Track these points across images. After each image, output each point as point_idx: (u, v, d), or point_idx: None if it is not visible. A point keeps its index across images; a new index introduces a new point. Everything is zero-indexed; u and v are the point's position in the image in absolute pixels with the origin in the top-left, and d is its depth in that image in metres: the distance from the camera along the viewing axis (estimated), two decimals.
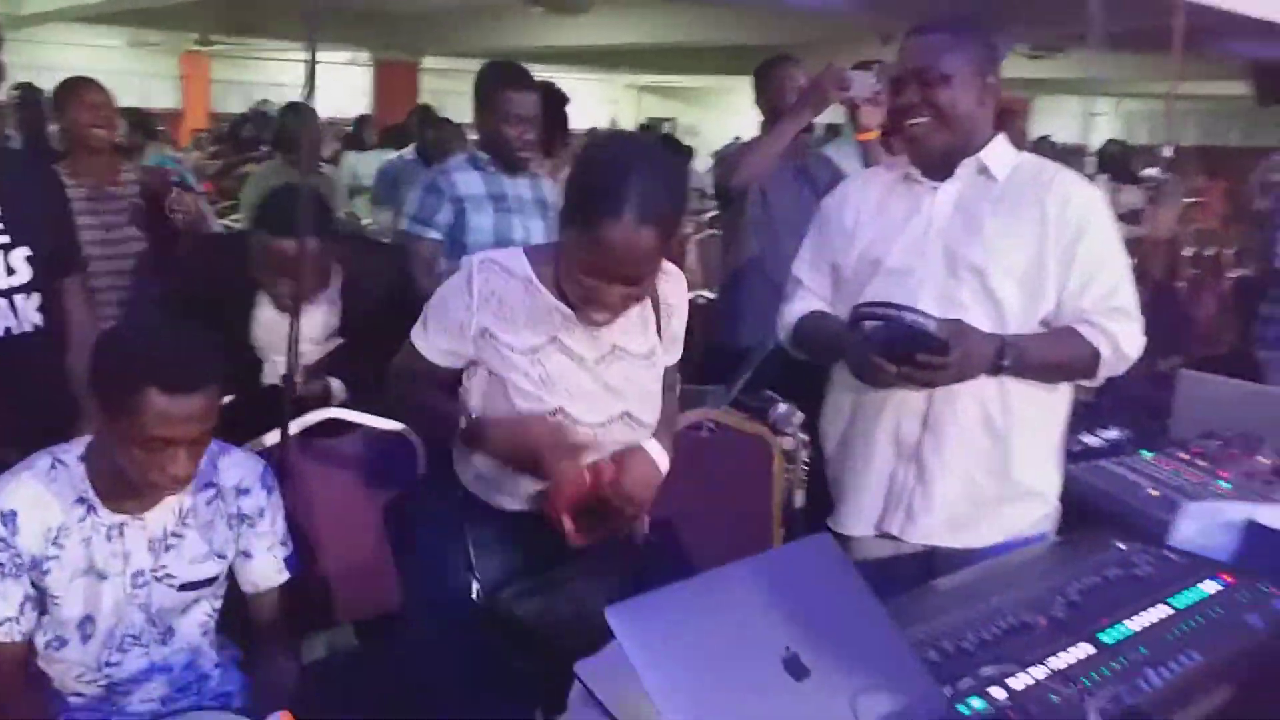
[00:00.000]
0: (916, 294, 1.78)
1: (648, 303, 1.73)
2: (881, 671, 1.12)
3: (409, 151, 5.77)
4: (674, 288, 1.77)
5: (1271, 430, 2.21)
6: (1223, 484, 1.99)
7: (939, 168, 1.86)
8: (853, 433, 1.93)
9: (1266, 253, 4.36)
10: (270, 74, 15.49)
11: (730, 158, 2.99)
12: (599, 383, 1.69)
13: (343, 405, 2.32)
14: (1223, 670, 1.16)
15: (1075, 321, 1.79)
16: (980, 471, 1.83)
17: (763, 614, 1.10)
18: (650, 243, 1.54)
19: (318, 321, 2.39)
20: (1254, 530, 1.68)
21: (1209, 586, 1.53)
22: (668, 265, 1.73)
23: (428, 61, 11.94)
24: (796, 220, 2.89)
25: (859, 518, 1.91)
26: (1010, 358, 1.73)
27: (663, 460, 1.75)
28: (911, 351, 1.67)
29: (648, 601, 1.05)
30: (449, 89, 15.36)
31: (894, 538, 1.89)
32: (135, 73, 14.07)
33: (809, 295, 1.99)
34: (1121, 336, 1.79)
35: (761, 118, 3.13)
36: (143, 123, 6.71)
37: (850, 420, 1.93)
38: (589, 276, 1.57)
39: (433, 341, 1.71)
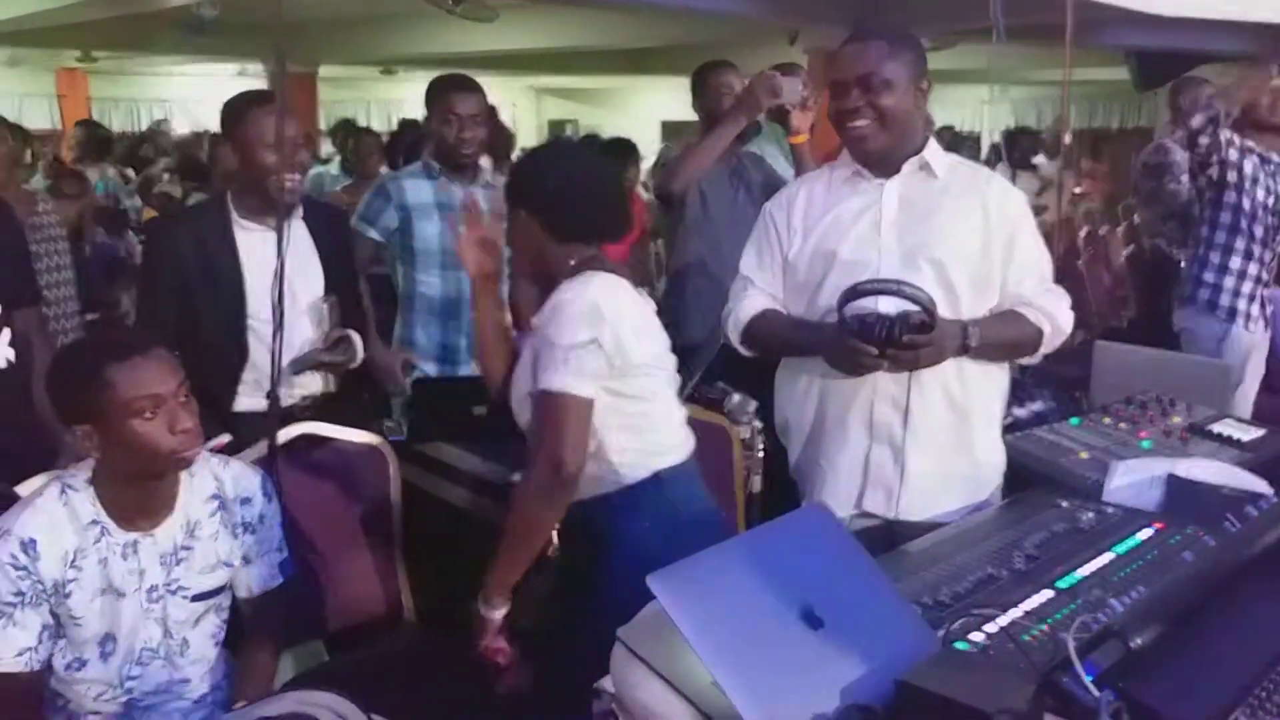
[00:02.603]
0: None
1: None
2: (883, 619, 1.26)
3: (334, 166, 5.78)
4: None
5: (1180, 391, 2.42)
6: (1144, 443, 2.17)
7: (884, 166, 1.98)
8: (823, 420, 2.03)
9: (1155, 229, 4.68)
10: (152, 90, 15.03)
11: (671, 162, 3.12)
12: None
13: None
14: (1167, 599, 1.32)
15: (1017, 305, 1.96)
16: (948, 448, 1.98)
17: (778, 574, 1.21)
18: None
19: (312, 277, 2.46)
20: (1175, 482, 1.86)
21: (1144, 533, 1.70)
22: None
23: (324, 70, 11.77)
24: (734, 218, 3.05)
25: (838, 499, 2.00)
26: (974, 338, 1.88)
27: None
28: (892, 333, 1.80)
29: (682, 568, 1.17)
30: (347, 98, 15.18)
31: (873, 515, 2.01)
32: (12, 93, 13.52)
33: (759, 294, 2.07)
34: (1059, 314, 1.98)
35: (698, 119, 3.26)
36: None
37: (820, 409, 2.03)
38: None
39: None
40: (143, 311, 2.50)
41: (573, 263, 1.87)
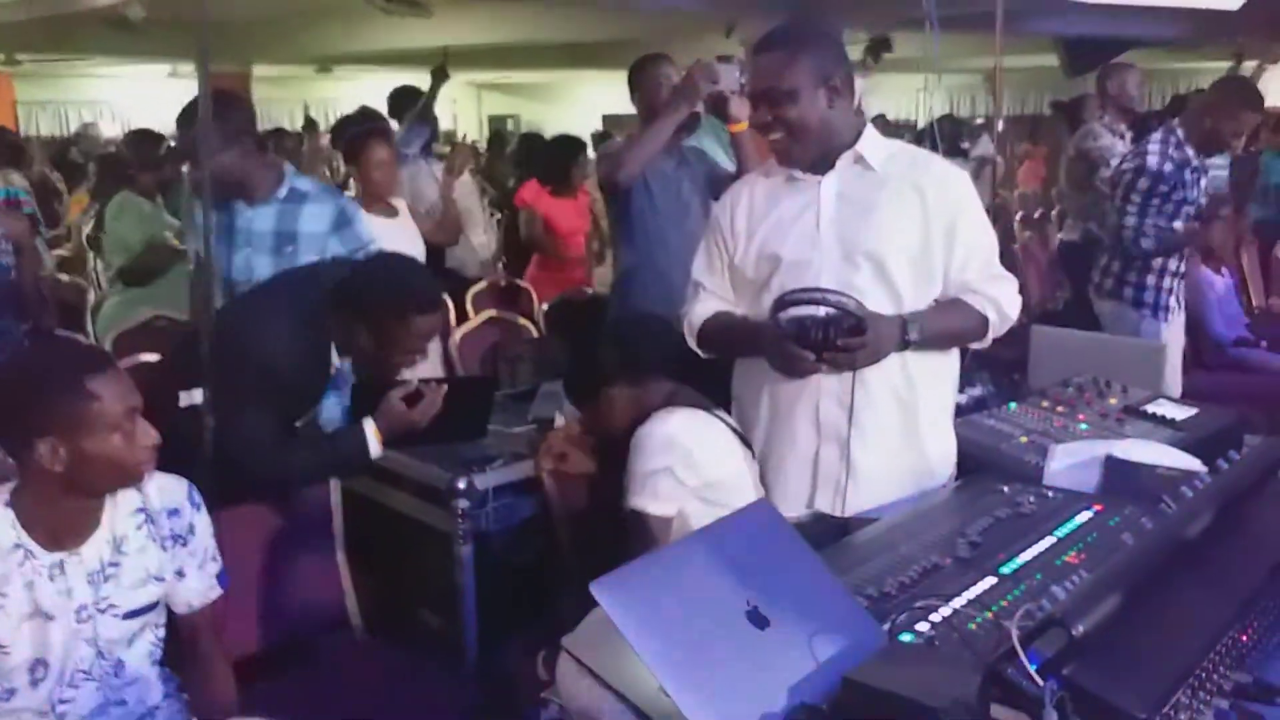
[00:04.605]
0: (817, 284, 1.89)
1: None
2: (829, 615, 1.25)
3: None
4: None
5: (1116, 373, 2.46)
6: (1082, 426, 2.20)
7: (819, 164, 1.97)
8: (773, 420, 2.03)
9: (1087, 214, 4.76)
10: (80, 92, 14.65)
11: (615, 154, 3.08)
12: None
13: None
14: (1110, 582, 1.33)
15: (962, 292, 1.97)
16: (895, 443, 1.98)
17: (723, 574, 1.21)
18: None
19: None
20: (1112, 463, 1.89)
21: (1083, 516, 1.73)
22: None
23: (259, 70, 11.55)
24: (679, 210, 3.04)
25: (788, 498, 2.00)
26: (914, 332, 1.89)
27: None
28: (828, 337, 1.80)
29: (625, 574, 1.15)
30: (283, 97, 14.91)
31: (824, 514, 2.00)
32: None
33: (710, 297, 2.09)
34: (1003, 300, 1.99)
35: (635, 113, 3.24)
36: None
37: (770, 408, 2.03)
38: None
39: None
40: (252, 402, 2.14)
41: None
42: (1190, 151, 3.54)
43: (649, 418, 2.01)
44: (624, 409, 2.10)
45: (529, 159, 6.20)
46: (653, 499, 1.96)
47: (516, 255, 5.19)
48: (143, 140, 5.13)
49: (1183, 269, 3.68)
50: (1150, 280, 3.58)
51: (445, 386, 2.26)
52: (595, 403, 2.15)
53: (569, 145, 5.10)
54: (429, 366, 3.02)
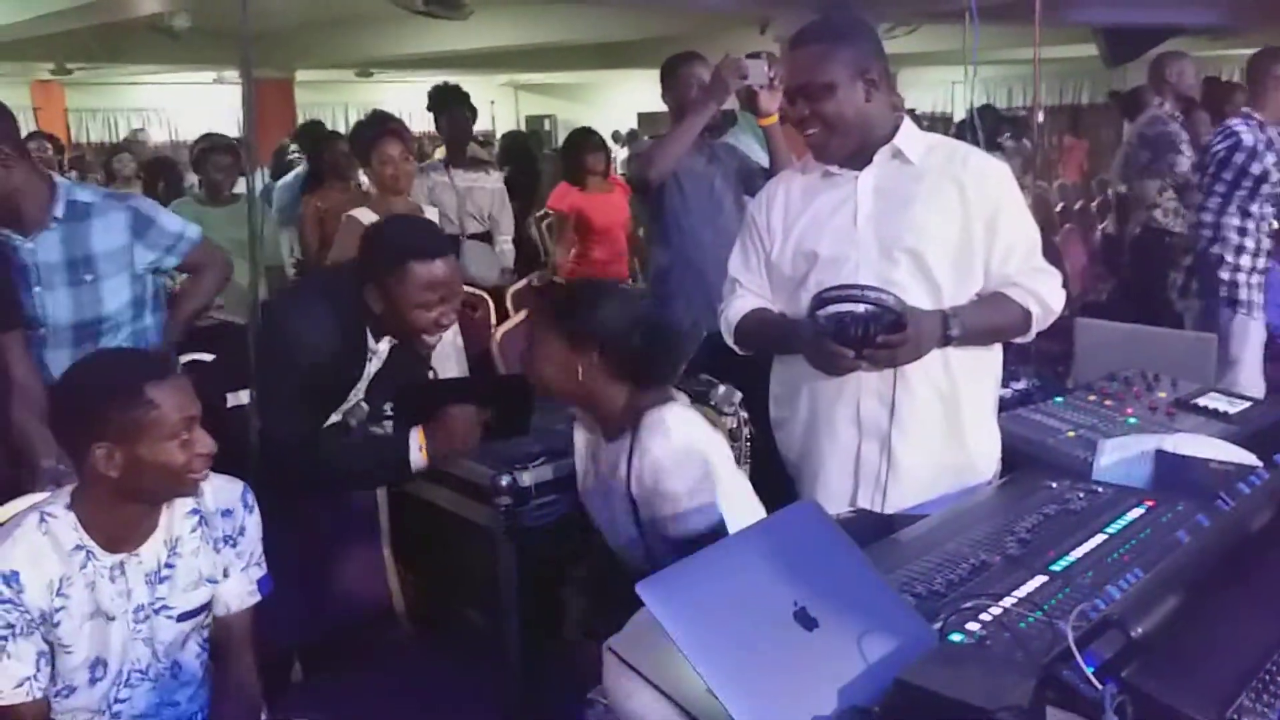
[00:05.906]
0: (854, 280, 1.87)
1: None
2: (878, 615, 1.23)
3: (303, 168, 5.70)
4: None
5: (1163, 366, 2.41)
6: (1130, 420, 2.17)
7: (856, 159, 1.95)
8: (814, 417, 2.01)
9: (1150, 203, 4.67)
10: (128, 99, 14.93)
11: (645, 153, 3.08)
12: None
13: None
14: (1165, 583, 1.30)
15: (1003, 286, 1.93)
16: (937, 440, 1.95)
17: (769, 575, 1.20)
18: None
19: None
20: (1163, 457, 1.85)
21: (1135, 512, 1.69)
22: None
23: (301, 75, 11.69)
24: (711, 206, 3.03)
25: (830, 497, 1.97)
26: (956, 327, 1.86)
27: None
28: (868, 333, 1.77)
29: (670, 574, 1.15)
30: (324, 101, 15.10)
31: (867, 511, 1.98)
32: None
33: (747, 294, 2.07)
34: (1046, 293, 1.95)
35: (667, 111, 3.24)
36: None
37: (810, 406, 2.01)
38: None
39: None
40: (283, 396, 2.13)
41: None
42: (1271, 131, 3.49)
43: (642, 421, 1.86)
44: (606, 397, 1.96)
45: (507, 157, 6.30)
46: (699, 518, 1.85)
47: (528, 262, 5.21)
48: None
49: (1265, 266, 3.62)
50: (1241, 278, 3.52)
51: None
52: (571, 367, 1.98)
53: (577, 137, 5.17)
54: (451, 368, 3.02)
